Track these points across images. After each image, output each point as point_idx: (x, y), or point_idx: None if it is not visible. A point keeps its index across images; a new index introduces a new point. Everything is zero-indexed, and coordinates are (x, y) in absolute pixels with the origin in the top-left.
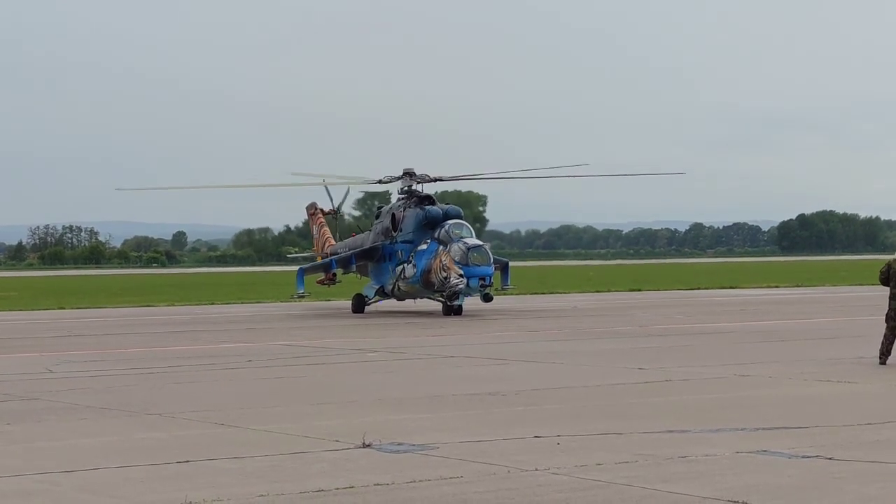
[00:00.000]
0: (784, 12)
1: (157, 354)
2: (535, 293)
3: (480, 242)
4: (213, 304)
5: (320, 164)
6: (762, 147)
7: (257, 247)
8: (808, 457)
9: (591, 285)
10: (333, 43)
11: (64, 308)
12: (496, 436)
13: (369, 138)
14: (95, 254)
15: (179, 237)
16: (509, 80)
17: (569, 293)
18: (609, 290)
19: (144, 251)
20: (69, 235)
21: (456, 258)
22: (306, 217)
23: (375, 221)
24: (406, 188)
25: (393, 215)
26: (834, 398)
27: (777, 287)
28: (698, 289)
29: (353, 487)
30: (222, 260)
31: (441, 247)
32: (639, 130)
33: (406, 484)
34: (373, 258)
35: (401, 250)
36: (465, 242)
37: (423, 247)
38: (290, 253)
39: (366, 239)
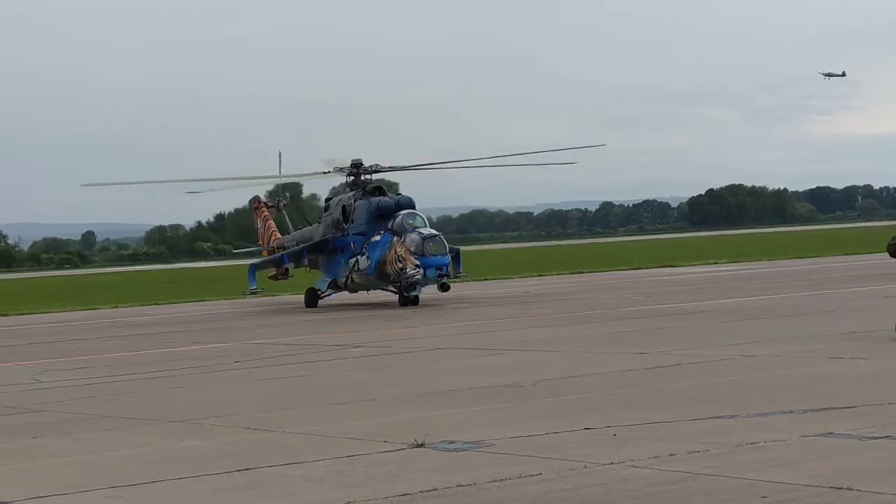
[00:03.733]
0: None
1: (138, 359)
2: (477, 280)
3: (436, 232)
4: (158, 304)
5: (256, 153)
6: (667, 123)
7: (170, 244)
8: (878, 437)
9: (532, 269)
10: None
11: (8, 315)
12: (545, 429)
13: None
14: (6, 257)
15: (88, 237)
16: (411, 65)
17: (511, 279)
18: (550, 274)
19: (55, 253)
20: None
21: (412, 248)
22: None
23: (324, 214)
24: (353, 179)
25: (343, 207)
26: (859, 376)
27: (716, 264)
28: (639, 269)
29: (436, 490)
30: (135, 258)
31: (395, 237)
32: (540, 112)
33: (489, 484)
34: (324, 251)
35: (353, 242)
36: (419, 232)
37: (377, 238)
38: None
39: (314, 231)
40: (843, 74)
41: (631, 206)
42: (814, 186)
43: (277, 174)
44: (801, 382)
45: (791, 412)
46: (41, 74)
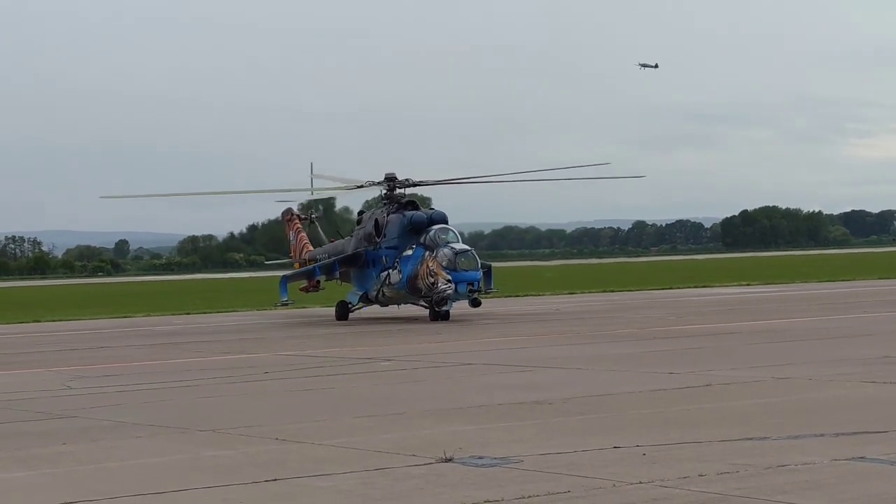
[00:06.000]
0: (720, 8)
1: (168, 368)
2: (507, 296)
3: (468, 247)
4: (189, 314)
5: (295, 167)
6: (703, 143)
7: (202, 254)
8: None
9: (563, 286)
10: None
11: (40, 321)
12: (574, 447)
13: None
14: (40, 264)
15: (122, 245)
16: (449, 82)
17: (543, 295)
18: (582, 292)
19: (88, 261)
20: (12, 246)
21: (443, 263)
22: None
23: (357, 227)
24: (387, 193)
25: (376, 221)
26: (892, 400)
27: (749, 285)
28: (671, 289)
29: None
30: (167, 268)
31: (427, 252)
32: (577, 129)
33: (517, 500)
34: (356, 264)
35: (385, 256)
36: (451, 247)
37: (409, 252)
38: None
39: (346, 244)
40: (657, 66)
41: (664, 225)
42: (849, 210)
43: (309, 187)
44: (833, 406)
45: (823, 435)
46: (76, 84)
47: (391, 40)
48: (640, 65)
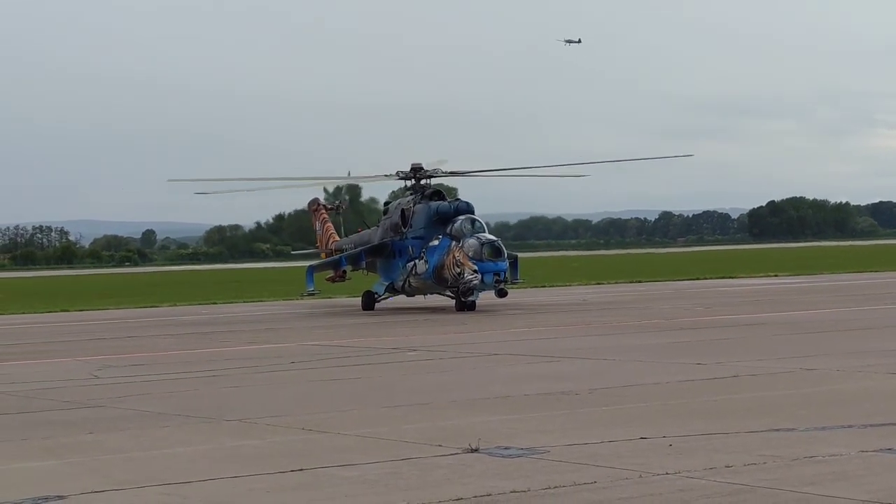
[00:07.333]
0: (750, 1)
1: (194, 357)
2: (534, 286)
3: (494, 238)
4: (215, 303)
5: (323, 157)
6: (730, 135)
7: (228, 244)
8: None
9: (589, 277)
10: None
11: (67, 310)
12: (600, 438)
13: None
14: (67, 254)
15: (149, 235)
16: (477, 73)
17: (569, 286)
18: (608, 282)
19: (115, 250)
20: (39, 236)
21: (470, 253)
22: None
23: (383, 217)
24: (414, 183)
25: (402, 211)
26: None
27: (777, 276)
28: (698, 279)
29: (490, 495)
30: (194, 258)
31: (454, 242)
32: (602, 121)
33: (543, 490)
34: (382, 254)
35: (411, 246)
36: (478, 238)
37: (435, 242)
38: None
39: (373, 235)
40: (580, 41)
41: (691, 216)
42: (876, 201)
43: (340, 177)
44: (860, 397)
45: (850, 427)
46: (107, 73)
47: (419, 36)
48: (564, 41)
